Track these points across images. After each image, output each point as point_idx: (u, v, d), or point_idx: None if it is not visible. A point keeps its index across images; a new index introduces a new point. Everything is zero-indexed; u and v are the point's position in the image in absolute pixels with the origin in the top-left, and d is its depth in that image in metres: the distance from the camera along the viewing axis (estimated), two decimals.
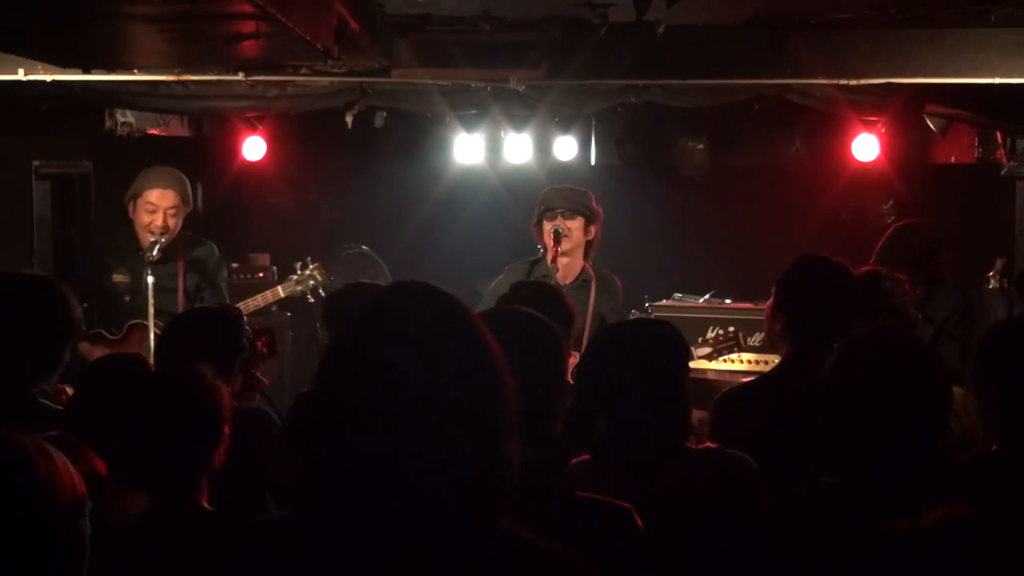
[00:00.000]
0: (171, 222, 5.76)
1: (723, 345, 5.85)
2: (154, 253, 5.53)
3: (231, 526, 2.81)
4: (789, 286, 3.74)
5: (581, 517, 2.41)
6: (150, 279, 5.38)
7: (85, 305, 5.76)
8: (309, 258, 6.08)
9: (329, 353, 1.78)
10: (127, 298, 5.77)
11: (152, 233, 5.66)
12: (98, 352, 5.40)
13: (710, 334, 5.92)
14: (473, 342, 1.76)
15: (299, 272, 6.03)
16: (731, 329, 5.89)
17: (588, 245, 5.71)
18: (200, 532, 2.79)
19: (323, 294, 5.98)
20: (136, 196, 5.80)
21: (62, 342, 3.64)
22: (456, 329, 1.75)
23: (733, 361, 6.24)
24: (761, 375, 4.12)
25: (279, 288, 6.01)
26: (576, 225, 5.60)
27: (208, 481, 2.93)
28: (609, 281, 5.71)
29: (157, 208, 5.74)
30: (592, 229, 5.67)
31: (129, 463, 2.84)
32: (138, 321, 5.57)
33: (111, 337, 5.66)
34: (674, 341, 3.08)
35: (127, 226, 5.90)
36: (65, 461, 1.77)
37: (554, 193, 5.72)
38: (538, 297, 3.86)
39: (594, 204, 5.69)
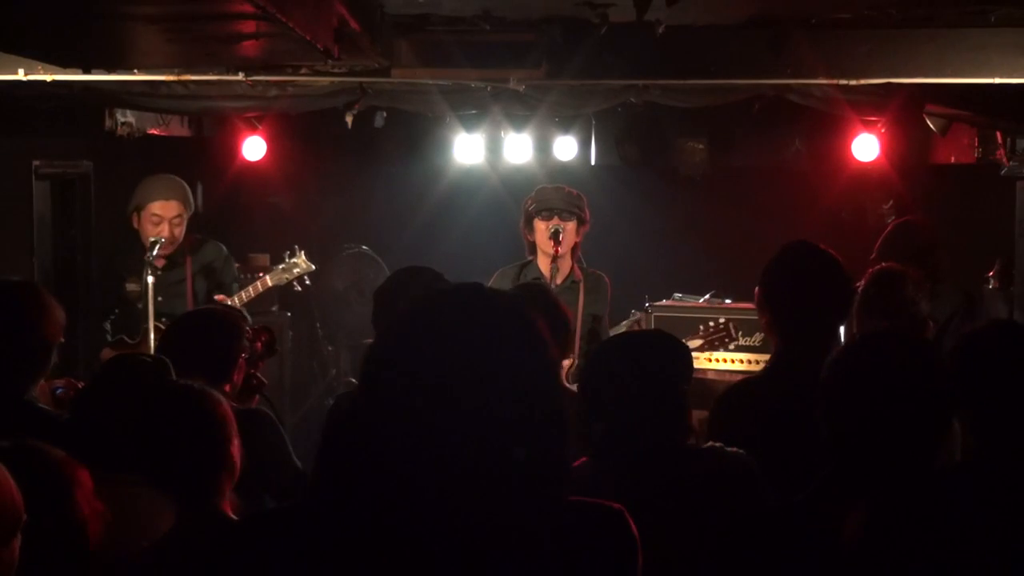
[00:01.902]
0: (176, 231, 5.91)
1: (714, 336, 5.82)
2: (154, 253, 5.61)
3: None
4: (771, 277, 3.61)
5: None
6: (150, 279, 5.49)
7: (112, 317, 5.88)
8: (296, 246, 6.14)
9: (369, 361, 1.69)
10: (140, 305, 5.87)
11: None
12: None
13: (700, 327, 5.87)
14: (516, 351, 1.66)
15: (286, 260, 6.10)
16: (721, 321, 5.86)
17: (574, 247, 5.73)
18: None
19: (308, 282, 6.07)
20: (140, 208, 5.90)
21: (47, 345, 3.62)
22: (498, 340, 1.66)
23: (732, 361, 6.23)
24: (757, 373, 4.08)
25: (267, 277, 6.08)
26: (571, 227, 5.62)
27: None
28: (596, 281, 5.71)
29: (162, 219, 5.86)
30: (581, 232, 5.70)
31: (147, 465, 2.81)
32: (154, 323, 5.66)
33: (130, 342, 5.80)
34: (676, 356, 3.06)
35: (133, 238, 5.97)
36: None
37: (552, 193, 5.69)
38: (535, 302, 3.85)
39: (585, 208, 5.71)
